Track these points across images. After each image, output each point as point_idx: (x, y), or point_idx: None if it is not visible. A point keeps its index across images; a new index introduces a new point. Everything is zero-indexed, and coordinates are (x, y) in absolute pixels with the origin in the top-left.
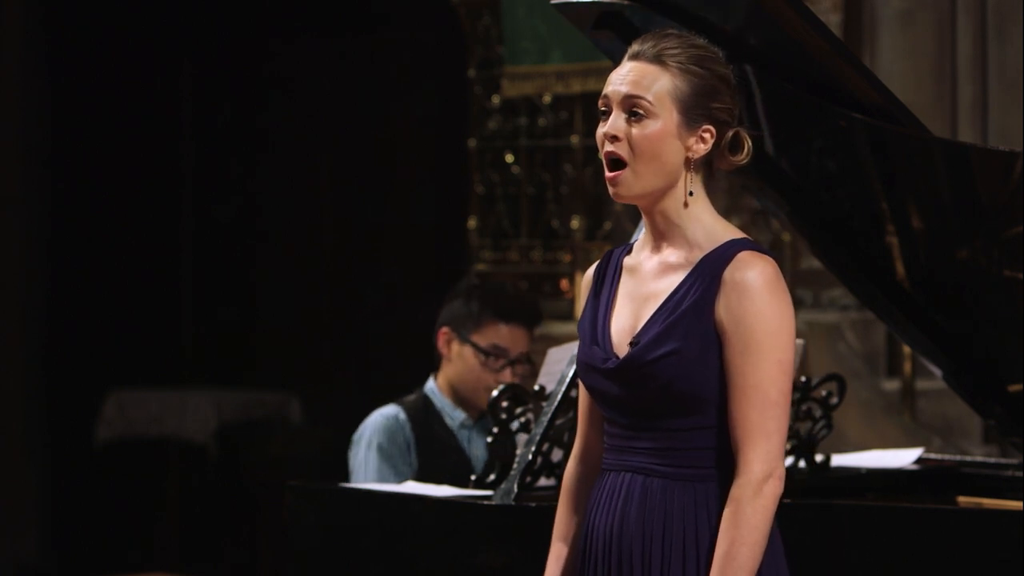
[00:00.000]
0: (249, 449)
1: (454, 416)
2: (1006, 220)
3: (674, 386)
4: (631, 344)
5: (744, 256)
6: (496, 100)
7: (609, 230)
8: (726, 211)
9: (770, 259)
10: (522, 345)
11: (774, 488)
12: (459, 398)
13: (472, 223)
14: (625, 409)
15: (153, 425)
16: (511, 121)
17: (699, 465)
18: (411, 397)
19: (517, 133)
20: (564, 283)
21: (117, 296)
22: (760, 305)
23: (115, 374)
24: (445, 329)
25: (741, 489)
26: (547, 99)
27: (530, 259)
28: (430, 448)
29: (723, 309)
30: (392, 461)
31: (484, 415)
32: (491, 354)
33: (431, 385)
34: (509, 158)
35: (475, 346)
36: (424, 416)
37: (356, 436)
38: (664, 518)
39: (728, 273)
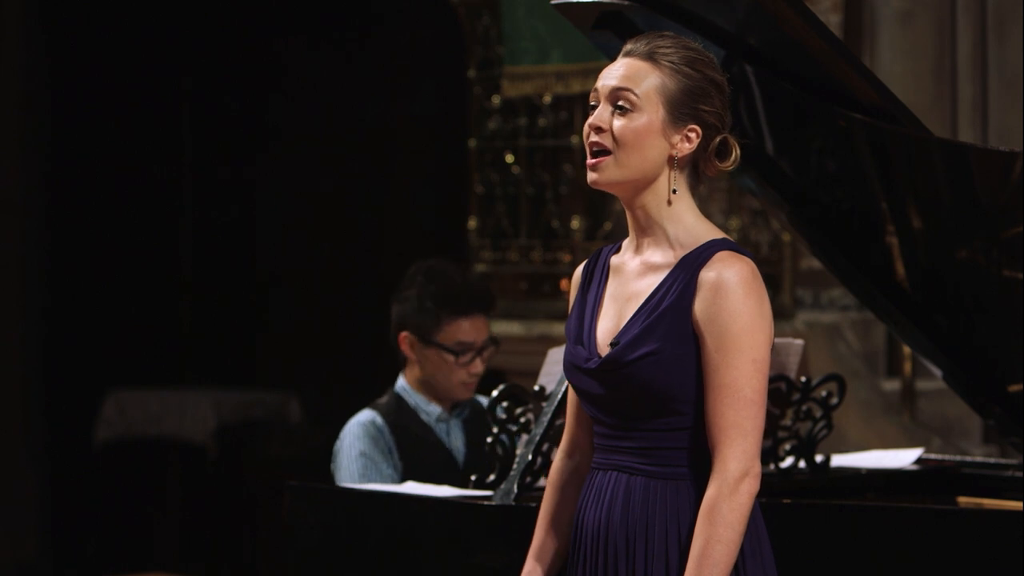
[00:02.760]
0: (249, 449)
1: (429, 411)
2: (1006, 220)
3: (653, 386)
4: (611, 345)
5: (721, 256)
6: (496, 100)
7: (609, 230)
8: (726, 211)
9: (748, 259)
10: (484, 331)
11: (750, 486)
12: (432, 393)
13: (472, 223)
14: (608, 408)
15: (153, 425)
16: (511, 121)
17: (680, 464)
18: (383, 399)
19: (517, 133)
20: (564, 283)
21: (117, 296)
22: (735, 304)
23: (115, 374)
24: (405, 334)
25: (717, 487)
26: (547, 99)
27: (530, 259)
28: (411, 447)
29: (699, 308)
30: (377, 466)
31: (457, 405)
32: (459, 352)
33: (402, 383)
34: (509, 158)
35: (441, 346)
36: (399, 416)
37: (336, 447)
38: (646, 517)
39: (704, 273)
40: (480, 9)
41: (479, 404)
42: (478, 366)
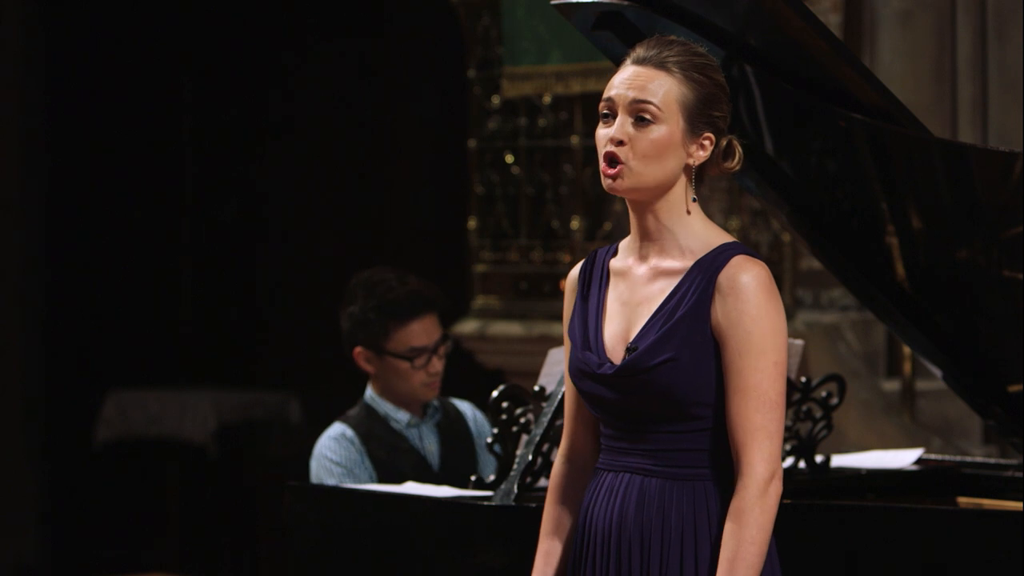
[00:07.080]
0: (249, 449)
1: (399, 418)
2: (1006, 220)
3: (672, 392)
4: (628, 350)
5: (738, 260)
6: (496, 100)
7: (609, 230)
8: (726, 211)
9: (763, 263)
10: (436, 331)
11: (778, 488)
12: (398, 400)
13: (472, 223)
14: (621, 413)
15: (153, 425)
16: (511, 121)
17: (695, 466)
18: (353, 410)
19: (517, 133)
20: (563, 283)
21: (117, 296)
22: (756, 308)
23: (115, 374)
24: (358, 349)
25: (747, 490)
26: (547, 99)
27: (530, 259)
28: (383, 455)
29: (719, 313)
30: (351, 476)
31: (429, 408)
32: (413, 357)
33: (370, 392)
34: (509, 158)
35: (394, 355)
36: (369, 426)
37: (311, 465)
38: (662, 518)
39: (723, 277)
40: (480, 9)
41: (452, 406)
42: (436, 365)
